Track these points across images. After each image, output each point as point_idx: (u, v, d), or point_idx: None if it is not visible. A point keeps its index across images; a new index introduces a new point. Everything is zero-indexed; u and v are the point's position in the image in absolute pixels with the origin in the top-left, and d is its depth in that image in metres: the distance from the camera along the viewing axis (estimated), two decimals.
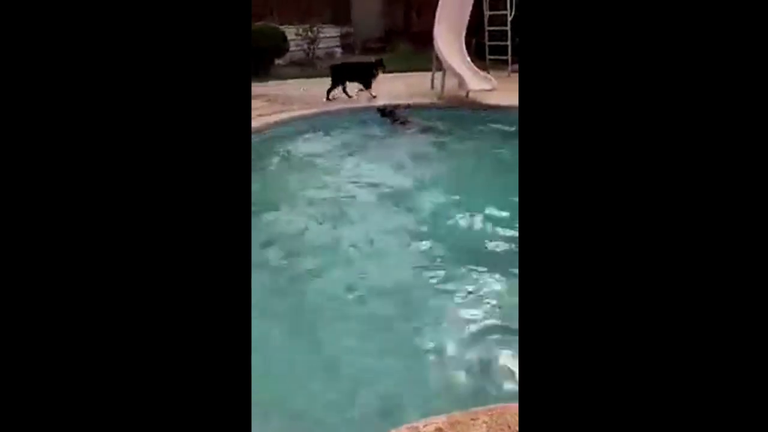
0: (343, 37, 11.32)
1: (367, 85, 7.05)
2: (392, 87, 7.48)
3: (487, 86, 6.42)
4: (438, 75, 7.30)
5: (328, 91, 6.97)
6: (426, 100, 6.98)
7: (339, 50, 11.10)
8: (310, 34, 9.97)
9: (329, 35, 10.81)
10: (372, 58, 7.49)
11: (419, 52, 8.94)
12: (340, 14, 11.47)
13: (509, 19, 7.86)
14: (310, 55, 10.00)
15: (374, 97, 6.96)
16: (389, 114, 6.12)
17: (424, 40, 9.96)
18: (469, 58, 7.00)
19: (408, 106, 6.49)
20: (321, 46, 10.38)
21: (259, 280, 1.67)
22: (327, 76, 7.96)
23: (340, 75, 7.11)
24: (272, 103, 6.78)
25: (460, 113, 6.47)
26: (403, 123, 6.01)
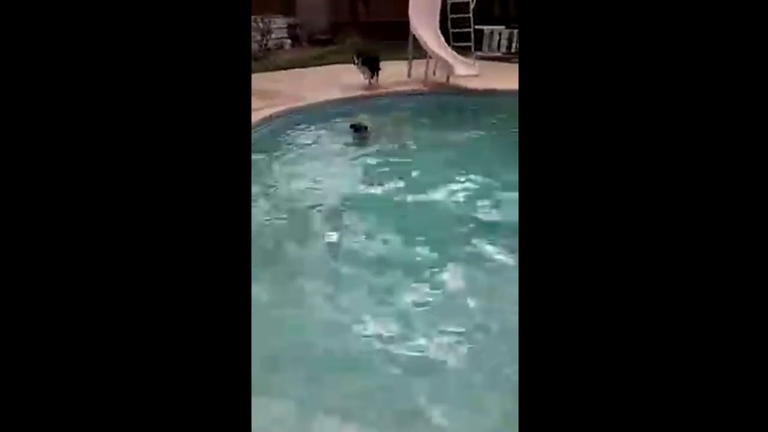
0: (289, 28, 11.10)
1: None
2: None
3: (473, 72, 6.65)
4: (415, 63, 7.44)
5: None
6: (408, 88, 7.10)
7: (288, 42, 10.88)
8: (261, 25, 9.69)
9: (278, 26, 10.57)
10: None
11: (371, 43, 8.97)
12: (285, 5, 11.23)
13: (472, 6, 8.11)
14: (263, 47, 9.73)
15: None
16: (362, 129, 5.56)
17: (373, 31, 10.06)
18: (443, 40, 7.20)
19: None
20: (272, 37, 10.14)
21: None
22: (282, 68, 7.96)
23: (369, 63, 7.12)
24: (260, 98, 6.58)
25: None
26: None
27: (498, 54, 9.09)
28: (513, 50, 9.06)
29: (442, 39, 7.21)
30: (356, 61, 7.09)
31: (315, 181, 4.31)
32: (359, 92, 6.92)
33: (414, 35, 7.13)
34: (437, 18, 7.32)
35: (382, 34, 9.36)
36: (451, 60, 6.73)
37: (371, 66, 7.09)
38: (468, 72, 6.66)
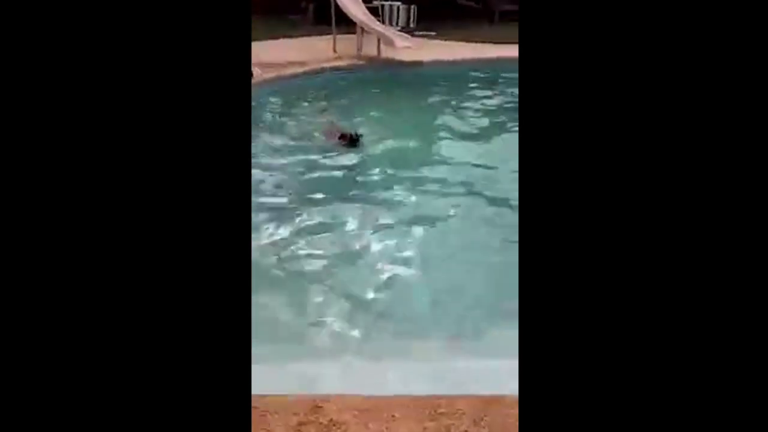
0: None
1: None
2: (291, 54, 7.38)
3: (409, 44, 7.01)
4: (340, 38, 7.57)
5: None
6: (345, 63, 7.24)
7: None
8: None
9: None
10: None
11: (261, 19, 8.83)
12: None
13: None
14: None
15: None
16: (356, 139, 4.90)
17: (260, 7, 9.76)
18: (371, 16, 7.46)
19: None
20: None
21: None
22: None
23: None
24: None
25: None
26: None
27: (397, 28, 9.52)
28: (410, 25, 9.56)
29: (370, 15, 7.44)
30: None
31: None
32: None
33: (339, 11, 7.25)
34: None
35: (272, 10, 9.20)
36: (388, 33, 7.01)
37: None
38: (405, 44, 7.01)
